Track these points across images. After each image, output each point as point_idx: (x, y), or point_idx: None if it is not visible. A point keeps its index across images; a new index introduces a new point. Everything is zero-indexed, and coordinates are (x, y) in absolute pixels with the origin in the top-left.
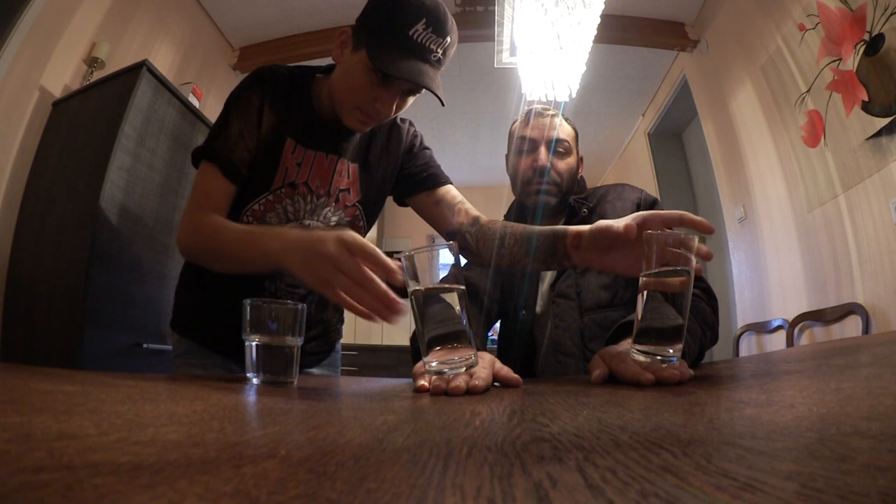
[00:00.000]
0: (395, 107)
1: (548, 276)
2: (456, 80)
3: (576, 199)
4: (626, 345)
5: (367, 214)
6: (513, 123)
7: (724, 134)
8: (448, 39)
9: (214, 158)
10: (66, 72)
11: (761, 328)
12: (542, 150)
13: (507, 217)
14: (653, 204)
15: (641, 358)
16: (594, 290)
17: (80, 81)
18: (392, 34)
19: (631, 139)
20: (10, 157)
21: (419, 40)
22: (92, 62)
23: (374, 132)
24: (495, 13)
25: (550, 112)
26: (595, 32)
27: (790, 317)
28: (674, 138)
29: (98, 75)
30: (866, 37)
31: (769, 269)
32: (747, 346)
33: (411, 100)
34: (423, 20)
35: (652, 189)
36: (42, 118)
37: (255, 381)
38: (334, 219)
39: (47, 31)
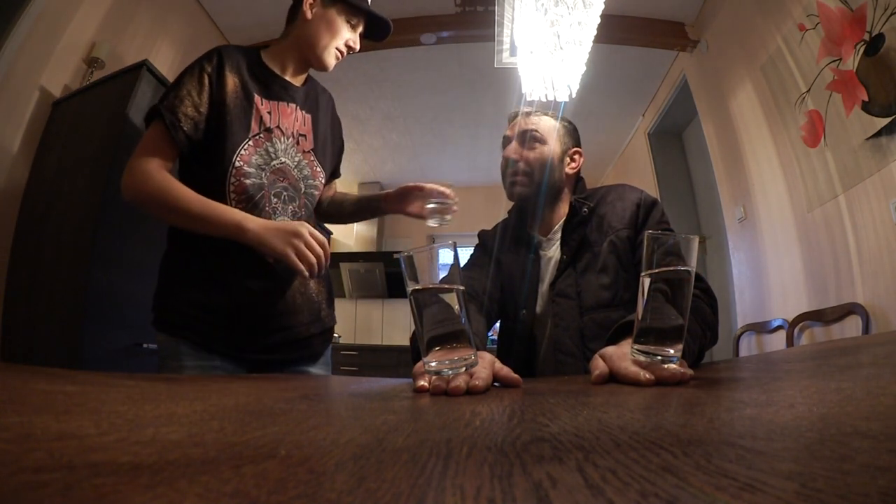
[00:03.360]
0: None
1: (548, 276)
2: (456, 80)
3: (577, 199)
4: (626, 345)
5: (321, 163)
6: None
7: (724, 134)
8: None
9: (160, 113)
10: (66, 72)
11: (761, 328)
12: (513, 143)
13: (508, 215)
14: (653, 205)
15: (641, 358)
16: (594, 289)
17: (80, 81)
18: None
19: (631, 139)
20: (10, 157)
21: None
22: (92, 62)
23: (319, 93)
24: (495, 13)
25: (527, 110)
26: (595, 32)
27: (790, 317)
28: (674, 138)
29: (98, 75)
30: (866, 37)
31: (769, 268)
32: (747, 346)
33: None
34: None
35: (652, 189)
36: (42, 118)
37: None
38: (297, 157)
39: (47, 31)
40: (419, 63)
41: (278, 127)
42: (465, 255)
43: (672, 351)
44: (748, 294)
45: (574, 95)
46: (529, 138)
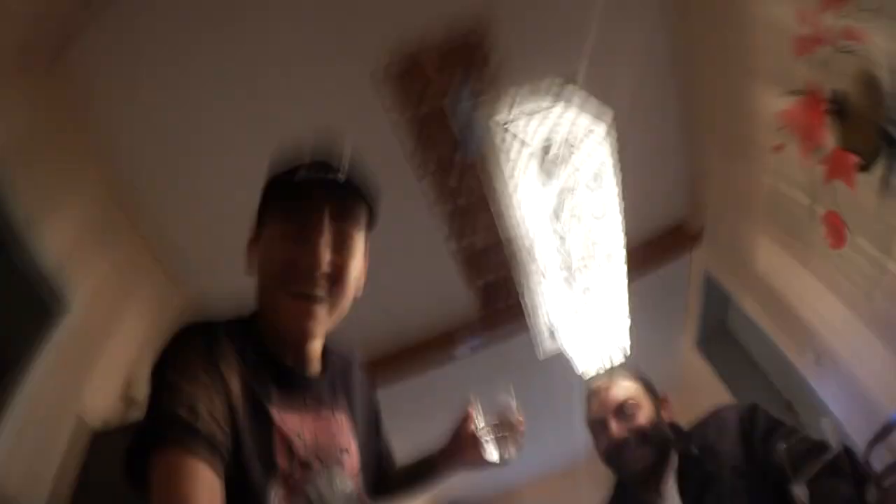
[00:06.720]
0: (329, 246)
1: None
2: (500, 382)
3: (681, 445)
4: None
5: (364, 483)
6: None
7: (763, 295)
8: (344, 151)
9: (187, 441)
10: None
11: (887, 432)
12: (613, 423)
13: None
14: (753, 410)
15: None
16: None
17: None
18: (279, 185)
19: (684, 362)
20: None
21: (307, 172)
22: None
23: (348, 369)
24: (523, 304)
25: (604, 383)
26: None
27: None
28: (722, 335)
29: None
30: (830, 106)
31: (860, 377)
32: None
33: (358, 235)
34: (306, 160)
35: (726, 397)
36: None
37: None
38: (349, 488)
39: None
40: (458, 380)
41: (317, 457)
42: None
43: None
44: (855, 416)
45: (629, 353)
46: (629, 409)
